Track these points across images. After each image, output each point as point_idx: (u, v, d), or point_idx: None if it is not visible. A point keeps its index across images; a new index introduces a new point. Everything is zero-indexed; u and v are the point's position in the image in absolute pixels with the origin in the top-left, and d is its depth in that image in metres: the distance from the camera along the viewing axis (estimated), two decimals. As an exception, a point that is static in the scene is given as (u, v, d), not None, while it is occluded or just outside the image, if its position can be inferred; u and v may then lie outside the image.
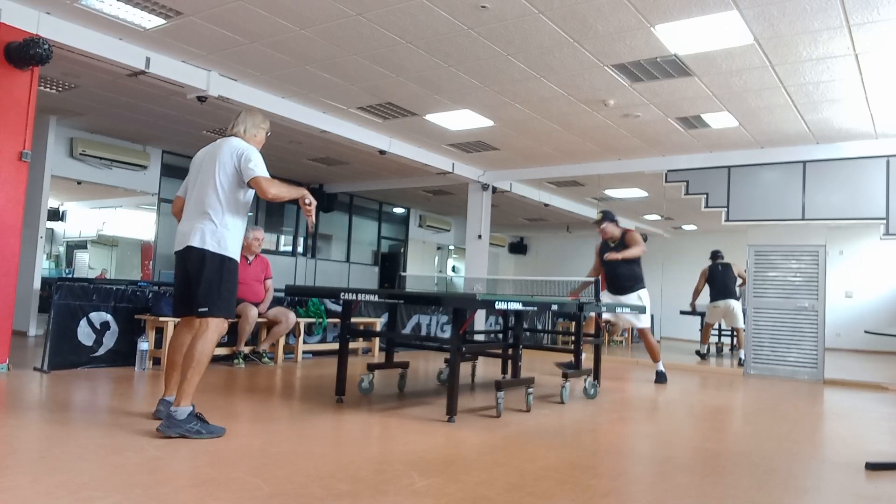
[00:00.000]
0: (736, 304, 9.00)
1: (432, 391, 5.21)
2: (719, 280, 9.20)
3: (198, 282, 3.30)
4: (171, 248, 10.15)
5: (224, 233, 3.34)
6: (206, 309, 3.28)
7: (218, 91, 6.41)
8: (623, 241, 6.41)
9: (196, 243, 3.30)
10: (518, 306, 4.29)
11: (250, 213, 11.59)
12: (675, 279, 12.91)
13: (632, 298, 6.33)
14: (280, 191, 3.35)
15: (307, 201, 3.39)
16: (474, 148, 8.94)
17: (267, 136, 3.71)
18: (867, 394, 6.57)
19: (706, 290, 9.46)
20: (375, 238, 14.02)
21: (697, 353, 9.36)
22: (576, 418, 4.38)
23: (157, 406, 3.54)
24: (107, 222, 11.11)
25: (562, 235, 15.79)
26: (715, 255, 9.39)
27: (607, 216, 6.49)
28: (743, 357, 8.48)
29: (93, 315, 5.49)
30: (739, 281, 9.10)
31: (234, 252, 3.38)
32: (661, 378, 6.51)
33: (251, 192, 3.45)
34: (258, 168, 3.35)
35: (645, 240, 12.51)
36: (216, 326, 3.31)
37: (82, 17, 5.22)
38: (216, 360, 6.15)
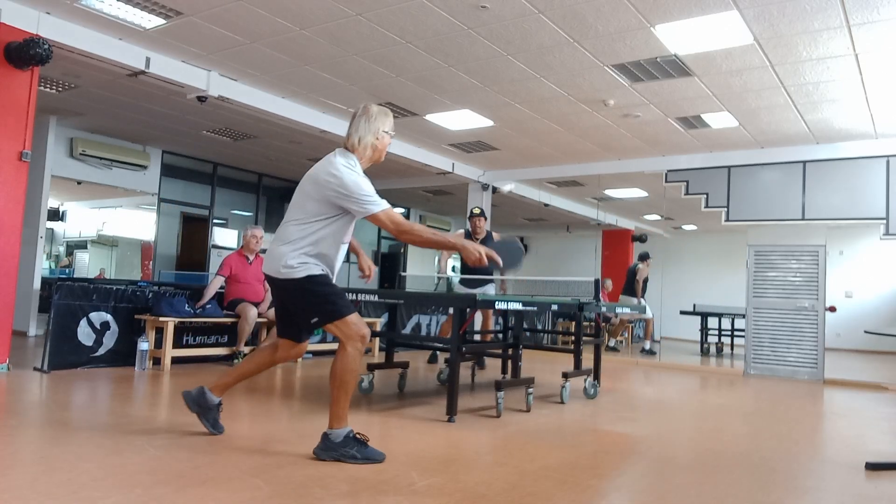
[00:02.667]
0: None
1: (432, 391, 5.21)
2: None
3: (291, 307, 3.07)
4: (170, 249, 10.26)
5: (300, 254, 2.95)
6: (316, 319, 3.01)
7: (218, 91, 6.41)
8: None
9: (268, 271, 3.01)
10: (518, 306, 4.30)
11: (249, 214, 11.60)
12: (674, 279, 12.95)
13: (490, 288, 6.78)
14: (426, 239, 2.90)
15: (477, 254, 2.93)
16: (474, 148, 8.93)
17: (391, 137, 3.12)
18: (867, 394, 6.57)
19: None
20: (375, 238, 14.01)
21: (612, 347, 10.14)
22: (576, 418, 4.38)
23: (194, 389, 3.24)
24: (107, 222, 11.12)
25: (562, 235, 15.79)
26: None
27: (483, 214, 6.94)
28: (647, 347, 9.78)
29: (93, 315, 5.49)
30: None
31: (315, 269, 2.96)
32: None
33: (344, 221, 2.99)
34: (371, 204, 2.85)
35: (644, 240, 13.04)
36: (347, 337, 2.94)
37: (82, 17, 5.22)
38: (216, 360, 6.16)
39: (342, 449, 2.90)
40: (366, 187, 2.90)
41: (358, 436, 2.94)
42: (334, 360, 2.97)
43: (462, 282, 6.85)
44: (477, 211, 6.85)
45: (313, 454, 2.92)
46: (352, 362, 2.92)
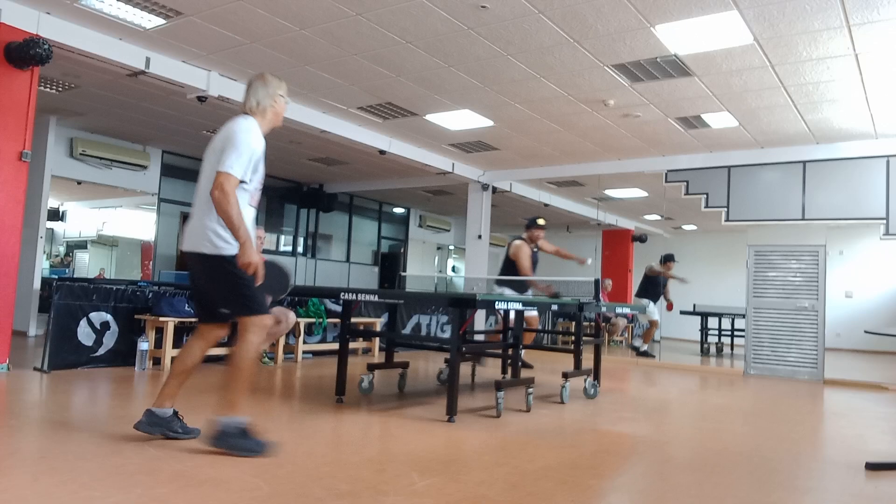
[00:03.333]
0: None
1: (432, 391, 5.21)
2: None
3: (210, 288, 3.03)
4: (170, 249, 10.26)
5: (221, 229, 2.93)
6: (228, 311, 3.05)
7: (218, 91, 6.41)
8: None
9: (191, 247, 2.98)
10: (518, 306, 4.30)
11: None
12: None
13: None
14: (231, 213, 2.82)
15: (244, 261, 2.86)
16: (474, 148, 8.93)
17: (286, 103, 3.23)
18: (867, 394, 6.57)
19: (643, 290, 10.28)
20: (375, 238, 14.01)
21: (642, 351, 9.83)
22: (576, 418, 4.38)
23: (142, 416, 3.08)
24: (107, 222, 11.12)
25: (562, 235, 15.79)
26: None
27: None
28: (640, 346, 9.53)
29: (93, 315, 5.49)
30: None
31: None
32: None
33: (256, 180, 3.03)
34: (231, 162, 2.85)
35: (644, 240, 13.08)
36: (253, 324, 2.94)
37: (82, 17, 5.22)
38: (216, 360, 6.15)
39: (231, 440, 2.86)
40: (245, 154, 2.90)
41: (247, 428, 2.91)
42: (236, 346, 2.94)
43: (499, 282, 6.70)
44: (542, 222, 6.75)
45: (209, 444, 2.87)
46: (254, 350, 2.94)
